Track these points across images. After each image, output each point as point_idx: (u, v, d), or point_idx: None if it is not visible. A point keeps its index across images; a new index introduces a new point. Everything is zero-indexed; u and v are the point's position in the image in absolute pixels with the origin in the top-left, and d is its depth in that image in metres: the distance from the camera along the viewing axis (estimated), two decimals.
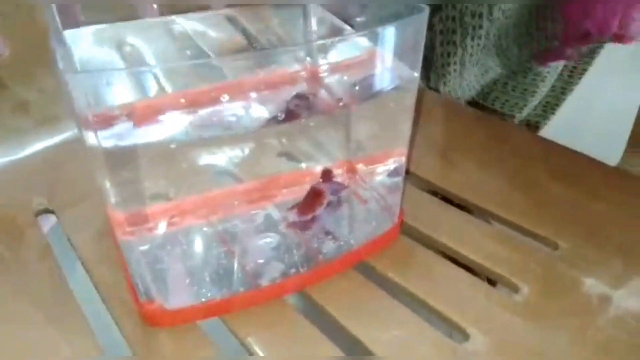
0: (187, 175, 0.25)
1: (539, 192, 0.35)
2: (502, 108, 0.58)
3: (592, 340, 0.26)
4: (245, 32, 0.34)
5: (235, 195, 0.27)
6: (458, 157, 0.39)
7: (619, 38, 0.44)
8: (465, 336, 0.26)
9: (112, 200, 0.23)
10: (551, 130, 0.60)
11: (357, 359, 0.25)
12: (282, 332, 0.27)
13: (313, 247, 0.29)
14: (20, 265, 0.30)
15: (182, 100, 0.24)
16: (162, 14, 0.33)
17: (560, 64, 0.55)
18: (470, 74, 0.52)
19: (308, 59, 0.26)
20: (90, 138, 0.21)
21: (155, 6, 0.33)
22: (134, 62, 0.30)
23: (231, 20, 0.34)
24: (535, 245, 0.32)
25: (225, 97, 0.24)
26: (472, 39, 0.49)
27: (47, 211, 0.34)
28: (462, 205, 0.35)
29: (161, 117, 0.23)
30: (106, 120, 0.22)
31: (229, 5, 0.34)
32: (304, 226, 0.28)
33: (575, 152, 0.37)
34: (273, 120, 0.25)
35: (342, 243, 0.30)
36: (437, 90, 0.52)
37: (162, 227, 0.26)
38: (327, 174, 0.28)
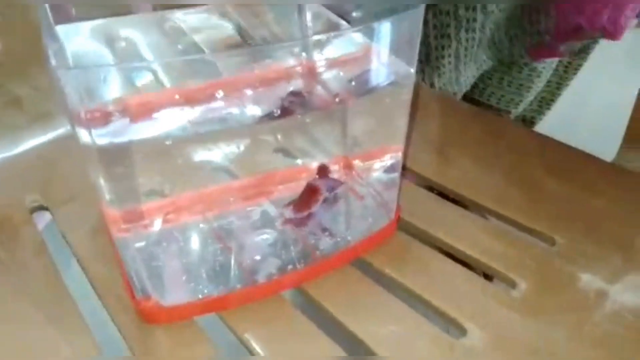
0: (183, 172, 0.25)
1: (535, 188, 0.35)
2: (498, 104, 0.58)
3: (589, 335, 0.26)
4: (239, 28, 0.34)
5: (231, 192, 0.27)
6: (454, 153, 0.39)
7: (609, 33, 0.44)
8: (462, 331, 0.26)
9: (107, 197, 0.23)
10: (547, 125, 0.61)
11: (360, 359, 0.25)
12: (280, 328, 0.27)
13: (310, 244, 0.29)
14: (15, 263, 0.30)
15: (177, 97, 0.24)
16: (154, 9, 0.33)
17: (555, 60, 0.56)
18: (467, 68, 0.52)
19: (303, 54, 0.26)
20: (84, 135, 0.21)
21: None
22: (127, 58, 0.30)
23: (225, 15, 0.34)
24: (532, 240, 0.32)
25: (220, 94, 0.24)
26: (467, 31, 0.49)
27: (42, 208, 0.34)
28: (457, 201, 0.35)
29: (155, 114, 0.23)
30: (99, 117, 0.22)
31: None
32: (300, 223, 0.28)
33: (571, 148, 0.37)
34: (268, 116, 0.25)
35: (338, 239, 0.30)
36: (431, 84, 0.52)
37: (157, 224, 0.26)
38: (323, 170, 0.28)
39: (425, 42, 0.50)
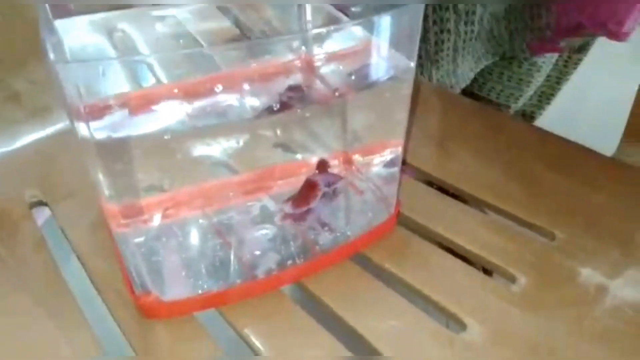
0: (182, 167, 0.25)
1: (535, 182, 0.35)
2: (498, 98, 0.58)
3: (589, 330, 0.26)
4: (238, 22, 0.33)
5: (230, 187, 0.27)
6: (454, 148, 0.39)
7: (614, 34, 0.44)
8: (462, 326, 0.26)
9: (106, 192, 0.23)
10: (547, 120, 0.60)
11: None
12: (279, 323, 0.27)
13: (309, 239, 0.29)
14: (14, 258, 0.30)
15: (176, 91, 0.24)
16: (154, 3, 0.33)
17: (555, 54, 0.55)
18: (464, 60, 0.52)
19: (303, 48, 0.26)
20: (82, 129, 0.21)
21: None
22: (125, 52, 0.30)
23: (224, 9, 0.34)
24: (532, 235, 0.32)
25: (219, 88, 0.24)
26: (466, 24, 0.49)
27: (41, 203, 0.34)
28: (457, 196, 0.35)
29: (154, 108, 0.23)
30: (98, 111, 0.22)
31: None
32: (299, 218, 0.28)
33: (571, 142, 0.37)
34: (267, 110, 0.25)
35: (338, 234, 0.30)
36: (429, 77, 0.52)
37: (157, 219, 0.26)
38: (322, 165, 0.28)
39: (425, 38, 0.50)
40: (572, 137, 0.38)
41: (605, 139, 0.39)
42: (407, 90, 0.28)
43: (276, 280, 0.28)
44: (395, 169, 0.30)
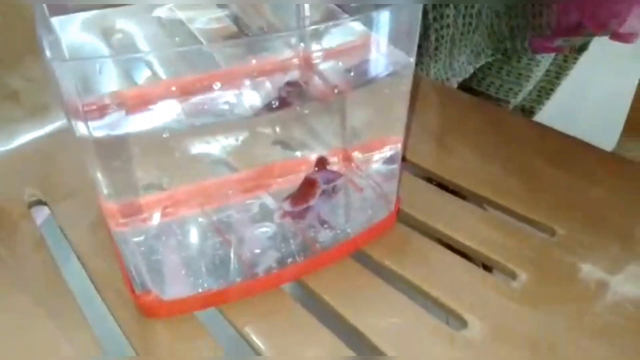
0: (181, 165, 0.25)
1: (535, 178, 0.35)
2: (497, 93, 0.58)
3: (590, 326, 0.26)
4: (236, 18, 0.33)
5: (229, 185, 0.27)
6: (453, 144, 0.38)
7: (620, 36, 0.44)
8: (462, 323, 0.26)
9: (105, 191, 0.23)
10: (546, 115, 0.60)
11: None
12: (280, 321, 0.27)
13: (309, 236, 0.29)
14: (14, 258, 0.30)
15: (174, 88, 0.24)
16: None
17: None
18: (461, 53, 0.52)
19: (301, 45, 0.26)
20: (80, 128, 0.21)
21: None
22: (123, 50, 0.29)
23: (222, 6, 0.34)
24: (532, 231, 0.32)
25: (217, 85, 0.24)
26: (464, 17, 0.49)
27: (40, 203, 0.34)
28: (457, 192, 0.35)
29: (153, 106, 0.23)
30: (96, 110, 0.21)
31: None
32: (298, 216, 0.28)
33: (570, 137, 0.37)
34: (267, 107, 0.25)
35: (338, 232, 0.29)
36: (427, 72, 0.52)
37: (156, 218, 0.25)
38: (321, 162, 0.28)
39: (425, 35, 0.50)
40: (572, 132, 0.38)
41: (605, 134, 0.39)
42: (406, 86, 0.28)
43: (276, 279, 0.28)
44: (395, 166, 0.30)
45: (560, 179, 0.34)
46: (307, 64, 0.26)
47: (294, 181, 0.28)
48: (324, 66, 0.26)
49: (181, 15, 0.32)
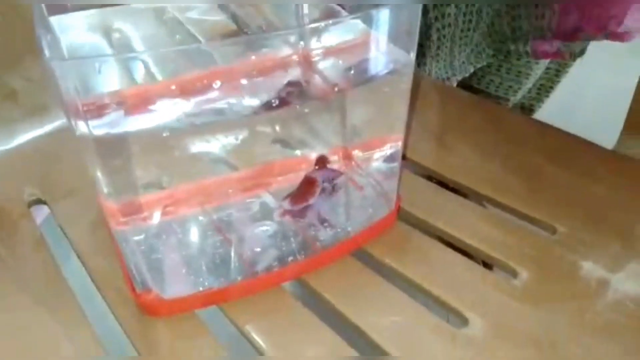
0: (181, 164, 0.25)
1: (535, 176, 0.35)
2: (497, 91, 0.58)
3: (591, 324, 0.26)
4: (235, 17, 0.33)
5: (229, 183, 0.27)
6: (453, 142, 0.38)
7: (617, 36, 0.44)
8: (463, 321, 0.26)
9: (105, 190, 0.23)
10: (546, 113, 0.60)
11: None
12: (280, 320, 0.27)
13: (310, 235, 0.29)
14: (14, 257, 0.30)
15: (173, 87, 0.23)
16: None
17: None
18: (461, 52, 0.52)
19: (301, 43, 0.26)
20: (80, 127, 0.21)
21: None
22: (122, 49, 0.29)
23: (220, 5, 0.34)
24: (532, 229, 0.32)
25: (217, 84, 0.24)
26: (464, 15, 0.49)
27: (40, 202, 0.34)
28: (457, 190, 0.35)
29: (152, 105, 0.23)
30: (96, 109, 0.21)
31: None
32: (298, 214, 0.28)
33: (570, 135, 0.37)
34: (266, 106, 0.25)
35: (338, 230, 0.29)
36: (428, 71, 0.52)
37: (156, 217, 0.25)
38: (321, 161, 0.28)
39: (427, 34, 0.50)
40: (572, 130, 0.38)
41: (605, 132, 0.39)
42: (406, 84, 0.28)
43: (277, 277, 0.28)
44: (395, 164, 0.30)
45: (561, 177, 0.34)
46: (307, 63, 0.26)
47: (294, 180, 0.27)
48: (323, 64, 0.26)
49: (180, 14, 0.32)
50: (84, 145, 0.22)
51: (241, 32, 0.32)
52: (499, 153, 0.37)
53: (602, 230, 0.31)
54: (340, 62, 0.27)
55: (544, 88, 0.60)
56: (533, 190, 0.34)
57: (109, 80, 0.21)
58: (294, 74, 0.26)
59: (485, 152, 0.37)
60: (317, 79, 0.26)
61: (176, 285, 0.27)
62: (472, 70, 0.55)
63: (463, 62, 0.54)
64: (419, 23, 0.26)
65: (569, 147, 0.37)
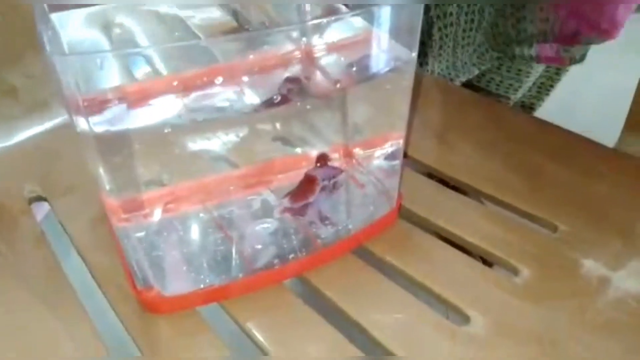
0: (182, 161, 0.25)
1: (536, 174, 0.35)
2: (497, 89, 0.58)
3: (592, 322, 0.26)
4: (236, 13, 0.33)
5: (230, 181, 0.27)
6: (454, 140, 0.38)
7: (606, 32, 0.44)
8: (465, 318, 0.26)
9: (106, 186, 0.23)
10: (547, 112, 0.60)
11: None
12: (282, 317, 0.27)
13: (311, 232, 0.29)
14: (14, 254, 0.30)
15: (175, 84, 0.23)
16: None
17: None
18: (464, 52, 0.52)
19: (303, 39, 0.26)
20: (81, 123, 0.21)
21: None
22: (123, 45, 0.29)
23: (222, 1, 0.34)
24: (534, 227, 0.32)
25: (218, 80, 0.23)
26: (467, 14, 0.49)
27: (40, 198, 0.34)
28: (458, 188, 0.35)
29: (153, 101, 0.23)
30: (97, 105, 0.21)
31: None
32: (298, 212, 0.28)
33: (571, 133, 0.37)
34: (267, 103, 0.25)
35: (339, 228, 0.29)
36: (431, 71, 0.52)
37: (157, 214, 0.25)
38: (322, 159, 0.28)
39: (429, 33, 0.50)
40: (573, 128, 0.38)
41: (606, 130, 0.39)
42: (408, 81, 0.27)
43: (278, 274, 0.28)
44: (397, 162, 0.30)
45: (562, 175, 0.34)
46: (309, 59, 0.26)
47: (295, 177, 0.27)
48: (325, 61, 0.26)
49: (180, 11, 0.32)
50: (85, 141, 0.22)
51: (242, 28, 0.32)
52: (500, 151, 0.37)
53: (603, 228, 0.31)
54: (342, 59, 0.26)
55: (545, 86, 0.60)
56: (534, 188, 0.34)
57: (110, 76, 0.21)
58: (295, 70, 0.26)
59: (487, 150, 0.37)
60: (318, 76, 0.26)
61: (177, 282, 0.27)
62: (476, 72, 0.55)
63: (466, 63, 0.54)
64: (420, 21, 0.26)
65: (569, 145, 0.37)
